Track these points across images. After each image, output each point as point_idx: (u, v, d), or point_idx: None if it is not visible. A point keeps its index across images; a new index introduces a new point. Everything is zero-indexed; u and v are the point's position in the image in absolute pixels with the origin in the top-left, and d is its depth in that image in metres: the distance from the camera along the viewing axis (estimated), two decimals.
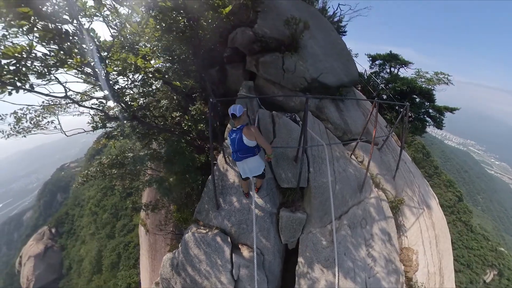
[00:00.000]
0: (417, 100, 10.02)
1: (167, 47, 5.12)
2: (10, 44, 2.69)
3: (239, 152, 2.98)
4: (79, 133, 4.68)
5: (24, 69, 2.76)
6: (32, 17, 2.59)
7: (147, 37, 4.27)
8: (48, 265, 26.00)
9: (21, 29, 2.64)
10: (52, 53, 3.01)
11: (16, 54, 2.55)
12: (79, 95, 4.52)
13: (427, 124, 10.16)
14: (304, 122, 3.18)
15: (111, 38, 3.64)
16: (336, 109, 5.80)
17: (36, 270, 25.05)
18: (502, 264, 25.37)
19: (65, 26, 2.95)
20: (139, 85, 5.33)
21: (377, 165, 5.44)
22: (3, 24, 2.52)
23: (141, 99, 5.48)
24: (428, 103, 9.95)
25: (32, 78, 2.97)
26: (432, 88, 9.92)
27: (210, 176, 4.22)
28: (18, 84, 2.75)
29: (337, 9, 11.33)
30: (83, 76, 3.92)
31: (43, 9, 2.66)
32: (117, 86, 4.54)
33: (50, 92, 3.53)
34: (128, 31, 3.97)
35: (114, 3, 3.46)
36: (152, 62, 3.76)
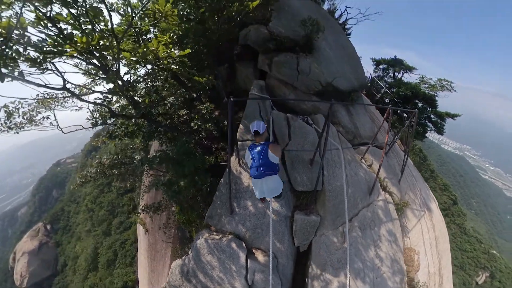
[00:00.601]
0: (420, 105, 10.31)
1: (181, 37, 4.36)
2: None
3: (263, 167, 2.72)
4: (77, 130, 4.21)
5: (13, 53, 2.14)
6: None
7: (164, 24, 3.54)
8: (43, 261, 25.53)
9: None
10: (53, 36, 2.44)
11: (2, 31, 1.94)
12: (78, 88, 4.06)
13: (428, 129, 10.45)
14: (326, 128, 3.22)
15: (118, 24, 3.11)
16: (347, 113, 5.88)
17: (30, 266, 24.57)
18: (494, 267, 26.14)
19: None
20: (148, 79, 4.94)
21: (384, 169, 5.60)
22: None
23: (153, 94, 5.07)
24: (430, 109, 10.24)
25: (23, 66, 2.39)
26: (435, 94, 10.22)
27: (222, 179, 4.19)
28: (4, 70, 2.13)
29: (344, 11, 11.42)
30: (87, 65, 3.43)
31: None
32: (126, 78, 4.04)
33: (48, 84, 2.88)
34: (139, 17, 3.40)
35: None
36: (177, 52, 3.13)
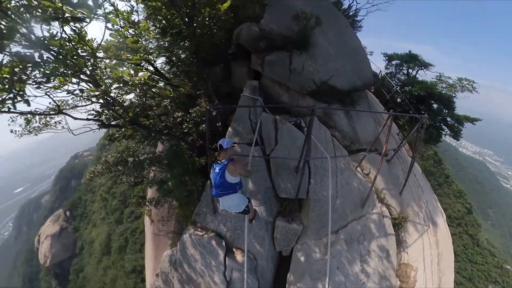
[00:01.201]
0: (435, 106, 9.29)
1: (166, 48, 4.96)
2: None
3: (219, 188, 2.80)
4: (86, 131, 4.74)
5: (20, 83, 2.64)
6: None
7: (146, 37, 4.13)
8: (63, 244, 27.99)
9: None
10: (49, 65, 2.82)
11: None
12: (80, 98, 4.48)
13: (443, 133, 9.43)
14: (308, 134, 3.03)
15: (110, 38, 3.45)
16: (346, 115, 5.44)
17: (52, 248, 27.11)
18: (506, 282, 24.10)
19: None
20: (136, 93, 5.29)
21: (384, 179, 5.19)
22: None
23: (139, 107, 5.44)
24: (446, 111, 9.19)
25: (31, 88, 2.90)
26: (454, 95, 9.11)
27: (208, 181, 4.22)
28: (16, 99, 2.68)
29: (352, 2, 10.58)
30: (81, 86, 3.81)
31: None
32: (112, 95, 4.45)
33: (54, 96, 3.51)
34: (129, 31, 3.80)
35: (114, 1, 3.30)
36: (140, 74, 3.64)
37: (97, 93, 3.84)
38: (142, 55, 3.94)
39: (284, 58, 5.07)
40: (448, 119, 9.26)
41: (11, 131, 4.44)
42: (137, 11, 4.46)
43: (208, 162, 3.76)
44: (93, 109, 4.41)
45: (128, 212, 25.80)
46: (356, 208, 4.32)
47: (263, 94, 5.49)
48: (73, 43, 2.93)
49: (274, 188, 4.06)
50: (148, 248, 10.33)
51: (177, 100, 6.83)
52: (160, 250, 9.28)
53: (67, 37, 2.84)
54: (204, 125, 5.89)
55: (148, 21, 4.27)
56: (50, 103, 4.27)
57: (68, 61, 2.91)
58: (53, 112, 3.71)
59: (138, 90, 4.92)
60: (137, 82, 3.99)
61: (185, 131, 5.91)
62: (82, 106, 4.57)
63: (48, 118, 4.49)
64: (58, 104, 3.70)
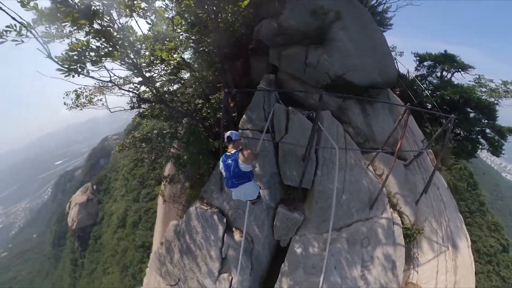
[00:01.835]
0: (472, 114, 7.87)
1: (194, 41, 5.52)
2: (75, 40, 3.50)
3: (235, 178, 2.86)
4: (120, 110, 5.62)
5: (83, 58, 3.53)
6: (88, 26, 3.42)
7: (178, 31, 4.68)
8: (88, 213, 31.86)
9: (81, 31, 3.53)
10: (103, 46, 3.75)
11: (78, 49, 3.39)
12: (121, 79, 5.36)
13: (480, 147, 7.98)
14: (315, 120, 3.02)
15: (147, 32, 4.24)
16: (362, 112, 5.21)
17: (79, 215, 31.22)
18: None
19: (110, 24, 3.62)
20: (167, 74, 6.06)
21: (399, 183, 4.82)
22: (72, 27, 3.41)
23: (169, 86, 6.20)
24: (486, 121, 7.74)
25: (88, 65, 3.76)
26: (496, 101, 7.60)
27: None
28: (79, 70, 3.55)
29: None
30: (125, 64, 4.63)
31: (94, 8, 3.38)
32: (148, 74, 5.24)
33: (100, 77, 4.40)
34: (161, 26, 4.51)
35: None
36: (175, 55, 4.18)
37: (144, 64, 4.57)
38: (176, 43, 4.50)
39: (301, 52, 5.08)
40: (488, 130, 7.79)
41: (64, 103, 5.40)
42: (171, 9, 5.26)
43: (220, 142, 3.98)
44: (133, 83, 5.11)
45: (144, 193, 27.93)
46: (364, 208, 4.11)
47: (279, 88, 5.54)
48: (124, 32, 3.69)
49: (280, 175, 4.09)
50: (158, 225, 11.16)
51: (199, 89, 7.39)
52: (168, 226, 10.01)
53: (119, 26, 3.60)
54: (221, 113, 6.27)
55: (179, 16, 4.90)
56: (95, 83, 5.20)
57: (117, 47, 3.69)
58: (106, 80, 4.52)
59: (170, 70, 5.59)
60: (172, 61, 4.53)
61: (204, 115, 6.30)
62: (124, 84, 5.37)
63: (92, 96, 5.41)
64: (110, 72, 4.44)
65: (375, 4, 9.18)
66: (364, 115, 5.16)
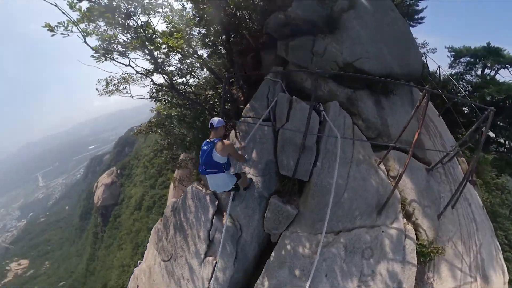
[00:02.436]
0: None
1: (204, 34, 5.96)
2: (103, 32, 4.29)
3: (205, 166, 2.86)
4: (141, 98, 6.44)
5: (110, 47, 4.33)
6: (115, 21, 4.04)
7: (191, 24, 5.20)
8: (111, 193, 35.24)
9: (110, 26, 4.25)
10: (129, 37, 4.45)
11: (107, 39, 4.19)
12: (143, 69, 6.29)
13: None
14: (311, 103, 2.75)
15: (165, 28, 4.86)
16: (375, 104, 4.67)
17: (104, 194, 34.92)
18: None
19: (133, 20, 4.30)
20: (180, 63, 6.77)
21: (418, 190, 4.12)
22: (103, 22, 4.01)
23: (183, 76, 6.87)
24: None
25: (115, 56, 4.56)
26: None
27: None
28: (108, 56, 4.35)
29: None
30: (145, 55, 5.26)
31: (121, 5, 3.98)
32: (160, 61, 5.80)
33: (126, 66, 5.02)
34: (177, 21, 5.17)
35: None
36: (178, 42, 4.64)
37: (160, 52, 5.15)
38: (183, 33, 5.07)
39: (308, 42, 4.85)
40: None
41: (96, 89, 6.19)
42: (184, 6, 5.82)
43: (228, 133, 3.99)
44: (149, 71, 5.69)
45: (160, 181, 30.03)
46: (370, 212, 3.60)
47: (286, 80, 5.36)
48: (143, 28, 4.30)
49: (277, 165, 3.84)
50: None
51: (212, 82, 7.76)
52: None
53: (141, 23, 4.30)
54: (229, 104, 6.42)
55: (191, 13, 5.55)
56: (122, 73, 6.09)
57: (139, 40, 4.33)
58: (135, 73, 5.38)
59: (181, 56, 6.17)
60: (176, 47, 4.94)
61: (211, 103, 6.51)
62: (145, 75, 6.00)
63: (119, 84, 6.24)
64: (133, 61, 5.17)
65: None
66: (378, 108, 4.61)
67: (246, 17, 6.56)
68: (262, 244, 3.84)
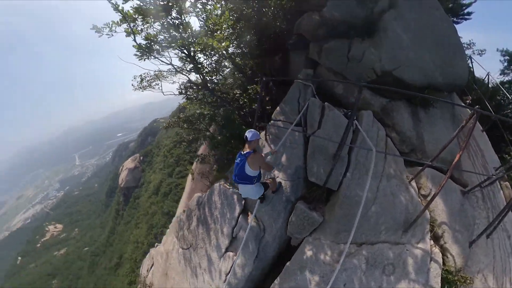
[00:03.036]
0: None
1: (239, 34, 6.03)
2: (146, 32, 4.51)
3: (237, 177, 3.07)
4: (171, 94, 6.92)
5: (150, 46, 4.60)
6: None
7: (224, 26, 5.32)
8: (133, 177, 38.78)
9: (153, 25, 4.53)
10: (166, 37, 4.69)
11: (151, 38, 4.48)
12: (177, 67, 6.50)
13: None
14: (351, 115, 2.79)
15: (199, 28, 5.14)
16: (411, 116, 4.42)
17: (127, 177, 38.86)
18: None
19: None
20: (214, 62, 7.00)
21: (450, 213, 3.93)
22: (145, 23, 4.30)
23: (214, 75, 7.13)
24: None
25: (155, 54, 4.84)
26: None
27: None
28: (149, 54, 4.66)
29: None
30: (182, 54, 5.61)
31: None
32: (198, 60, 6.02)
33: (161, 64, 5.30)
34: (210, 22, 5.29)
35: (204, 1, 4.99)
36: (223, 44, 4.78)
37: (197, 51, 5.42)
38: (223, 33, 5.33)
39: (343, 45, 4.64)
40: None
41: (132, 85, 6.67)
42: (219, 7, 6.04)
43: (254, 126, 4.17)
44: (186, 69, 6.06)
45: (177, 170, 32.00)
46: (396, 229, 3.56)
47: (317, 84, 5.27)
48: (181, 29, 4.59)
49: (306, 171, 3.95)
50: (184, 199, 12.58)
51: (239, 81, 7.98)
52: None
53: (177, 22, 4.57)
54: (256, 105, 6.58)
55: (227, 12, 5.64)
56: (155, 70, 6.58)
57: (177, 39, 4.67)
58: (171, 69, 5.80)
59: (218, 56, 6.47)
60: (221, 49, 5.23)
61: (240, 103, 6.74)
62: (179, 72, 6.38)
63: (151, 81, 6.74)
64: (176, 68, 5.68)
65: None
66: (414, 121, 4.36)
67: (276, 16, 6.49)
68: (282, 247, 4.00)
